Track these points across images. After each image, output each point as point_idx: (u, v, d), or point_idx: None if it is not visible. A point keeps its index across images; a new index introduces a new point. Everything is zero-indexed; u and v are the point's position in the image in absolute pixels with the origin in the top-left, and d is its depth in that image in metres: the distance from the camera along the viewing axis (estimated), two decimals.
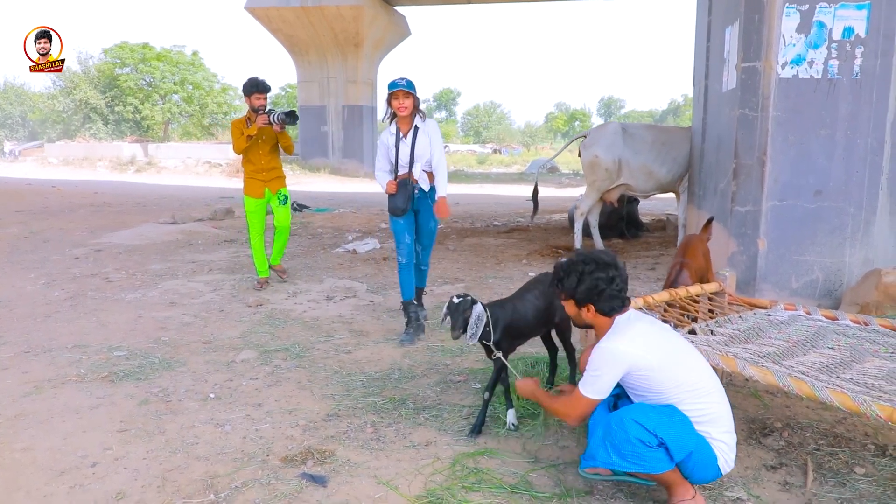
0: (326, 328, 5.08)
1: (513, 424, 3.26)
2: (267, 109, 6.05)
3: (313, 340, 4.75)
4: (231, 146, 6.33)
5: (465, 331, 3.16)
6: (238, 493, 2.68)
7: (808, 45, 5.10)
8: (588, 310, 2.57)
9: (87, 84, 39.78)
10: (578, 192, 12.24)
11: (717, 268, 4.35)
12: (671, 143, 7.97)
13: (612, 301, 2.53)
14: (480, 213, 12.93)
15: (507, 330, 3.27)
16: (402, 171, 4.78)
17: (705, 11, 6.87)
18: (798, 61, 5.12)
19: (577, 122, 70.88)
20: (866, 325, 3.36)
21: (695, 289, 3.68)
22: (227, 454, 3.02)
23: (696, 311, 3.59)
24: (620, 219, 9.55)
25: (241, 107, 45.21)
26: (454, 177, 23.93)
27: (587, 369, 2.51)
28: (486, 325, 3.18)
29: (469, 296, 3.20)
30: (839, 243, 5.31)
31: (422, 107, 4.78)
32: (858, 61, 5.07)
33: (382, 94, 4.68)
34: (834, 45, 5.07)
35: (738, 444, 2.55)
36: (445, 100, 77.44)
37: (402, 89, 4.56)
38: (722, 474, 2.49)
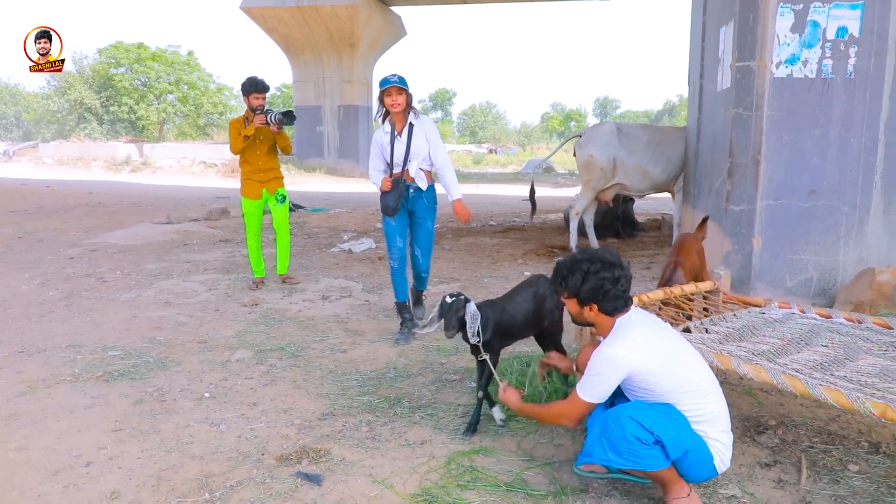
0: (322, 327, 5.08)
1: (501, 420, 3.26)
2: (265, 109, 5.98)
3: (308, 340, 4.75)
4: (229, 146, 6.27)
5: (458, 330, 3.16)
6: (233, 492, 2.68)
7: (803, 44, 5.11)
8: (591, 309, 2.54)
9: (82, 84, 39.59)
10: (574, 191, 12.23)
11: (712, 266, 4.36)
12: (666, 143, 7.99)
13: (616, 301, 2.51)
14: (476, 212, 12.92)
15: (495, 330, 3.27)
16: (397, 169, 4.69)
17: (700, 11, 6.89)
18: (792, 61, 5.14)
19: (572, 123, 70.91)
20: (860, 323, 3.37)
21: (690, 287, 3.68)
22: (222, 453, 3.02)
23: (691, 310, 3.60)
24: (616, 218, 9.56)
25: (237, 107, 45.08)
26: None
27: (587, 373, 2.50)
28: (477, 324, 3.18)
29: (462, 294, 3.20)
30: (833, 242, 5.33)
31: (415, 104, 4.69)
32: (852, 61, 5.09)
33: (378, 93, 4.60)
34: (828, 44, 5.09)
35: (732, 442, 2.56)
36: (441, 100, 77.41)
37: (394, 86, 4.46)
38: (718, 473, 2.49)
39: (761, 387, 3.65)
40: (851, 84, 5.13)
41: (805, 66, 5.14)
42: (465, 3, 26.41)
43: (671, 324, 3.26)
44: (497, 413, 3.27)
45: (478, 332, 3.14)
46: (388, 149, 4.69)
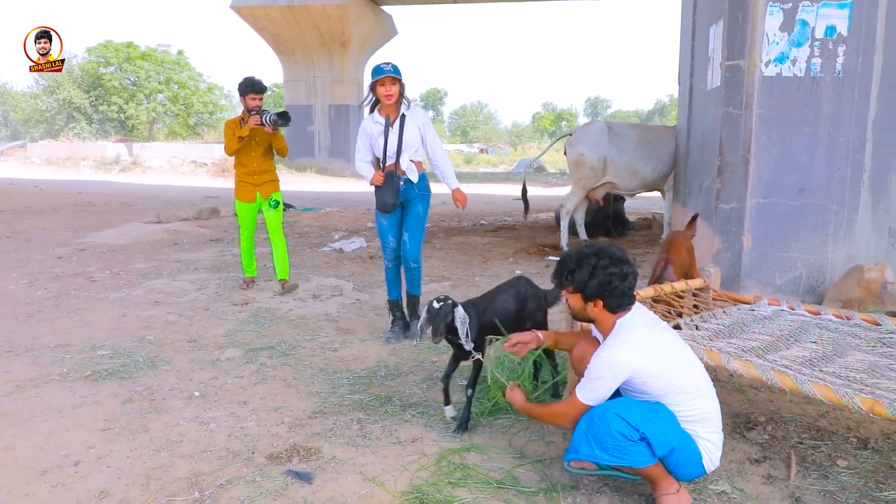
0: (312, 326, 5.06)
1: (451, 418, 3.26)
2: (260, 110, 5.81)
3: (299, 338, 4.73)
4: (221, 146, 6.17)
5: (447, 335, 3.16)
6: (223, 491, 2.66)
7: (792, 43, 5.14)
8: (595, 304, 2.52)
9: (71, 83, 39.31)
10: (565, 191, 12.26)
11: (702, 264, 4.38)
12: (656, 142, 8.02)
13: (622, 298, 2.49)
14: (467, 211, 12.93)
15: (479, 330, 3.24)
16: (389, 161, 4.53)
17: (690, 10, 6.92)
18: (781, 59, 5.17)
19: (563, 122, 71.04)
20: (848, 319, 3.39)
21: (680, 284, 3.70)
22: (212, 452, 3.00)
23: (681, 307, 3.61)
24: (606, 217, 9.58)
25: (227, 106, 44.94)
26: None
27: (587, 375, 2.49)
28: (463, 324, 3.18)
29: (450, 299, 3.19)
30: (822, 240, 5.36)
31: (407, 93, 4.52)
32: (841, 59, 5.12)
33: (370, 83, 4.43)
34: (817, 43, 5.12)
35: (723, 442, 2.56)
36: (432, 99, 77.38)
37: (389, 75, 4.30)
38: (706, 472, 2.50)
39: (751, 383, 3.66)
40: (840, 83, 5.16)
41: (794, 65, 5.17)
42: (456, 2, 26.41)
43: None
44: (449, 411, 3.29)
45: (467, 333, 3.14)
46: (380, 140, 4.53)
